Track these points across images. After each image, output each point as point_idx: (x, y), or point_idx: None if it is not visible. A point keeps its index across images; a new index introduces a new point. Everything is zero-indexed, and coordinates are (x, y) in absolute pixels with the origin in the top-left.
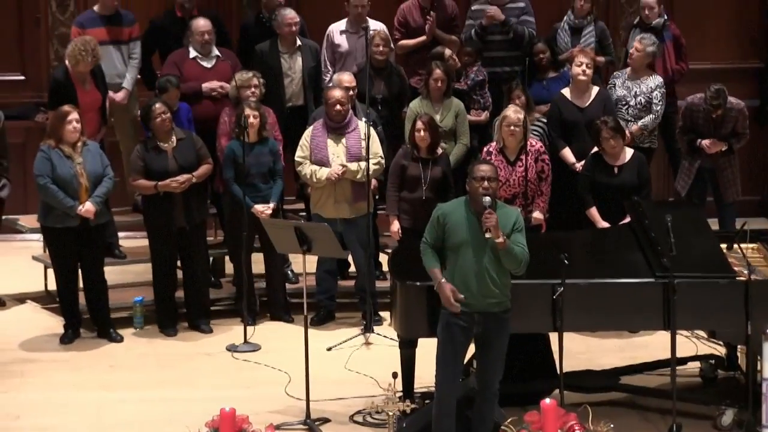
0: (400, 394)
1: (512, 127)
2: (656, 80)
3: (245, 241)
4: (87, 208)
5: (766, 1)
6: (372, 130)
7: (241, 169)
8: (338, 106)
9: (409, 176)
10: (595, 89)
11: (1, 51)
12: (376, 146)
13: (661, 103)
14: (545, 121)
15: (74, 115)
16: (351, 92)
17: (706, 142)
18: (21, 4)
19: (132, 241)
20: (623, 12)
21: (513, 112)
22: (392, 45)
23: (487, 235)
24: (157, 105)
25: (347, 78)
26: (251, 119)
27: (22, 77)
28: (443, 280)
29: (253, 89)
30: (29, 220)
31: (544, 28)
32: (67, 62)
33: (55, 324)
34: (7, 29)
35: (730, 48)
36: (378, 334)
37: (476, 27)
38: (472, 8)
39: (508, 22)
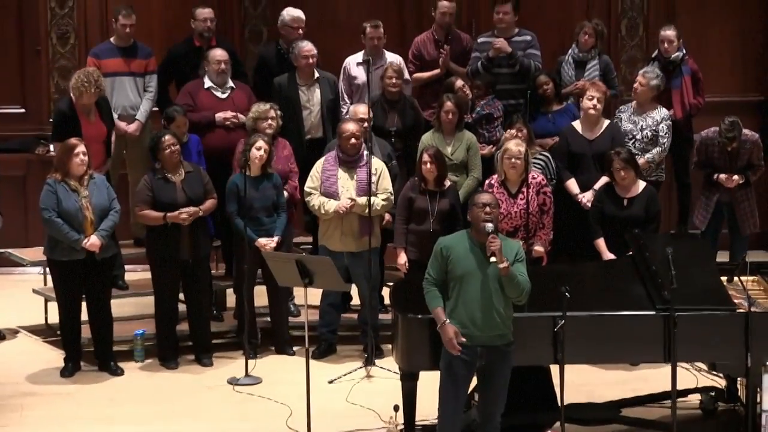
0: (402, 427)
1: (513, 160)
2: (662, 113)
3: (247, 274)
4: (92, 242)
5: None
6: (383, 165)
7: (243, 202)
8: (352, 140)
9: (416, 209)
10: (606, 122)
11: (1, 83)
12: (386, 182)
13: (667, 135)
14: (547, 154)
15: (81, 148)
16: (366, 124)
17: (722, 177)
18: (22, 36)
19: (133, 274)
20: (624, 46)
21: (514, 145)
22: (406, 77)
23: (492, 260)
24: (167, 137)
25: (363, 109)
26: (262, 152)
27: (23, 110)
28: (447, 321)
29: (270, 121)
30: (30, 253)
31: (548, 61)
32: (71, 94)
33: (56, 357)
34: (7, 61)
35: (732, 81)
36: (379, 366)
37: (482, 59)
38: (479, 41)
39: (514, 54)
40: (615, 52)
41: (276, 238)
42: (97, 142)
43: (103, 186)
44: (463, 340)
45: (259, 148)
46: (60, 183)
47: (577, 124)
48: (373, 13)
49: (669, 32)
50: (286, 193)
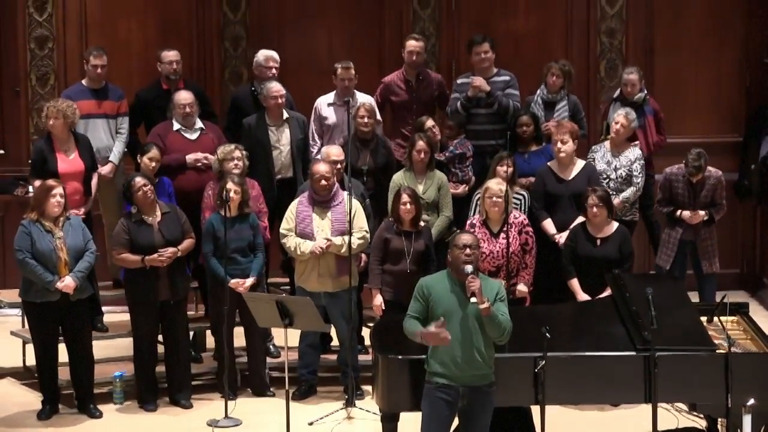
0: None
1: (495, 198)
2: (635, 152)
3: (226, 316)
4: (66, 283)
5: (746, 76)
6: (357, 204)
7: (220, 243)
8: (323, 181)
9: (392, 249)
10: (581, 163)
11: None
12: (361, 220)
13: (641, 175)
14: (524, 193)
15: (59, 190)
16: (339, 165)
17: (686, 214)
18: (0, 77)
19: (112, 315)
20: (603, 87)
21: (495, 184)
22: (379, 117)
23: (472, 300)
24: (137, 179)
25: (335, 151)
26: (232, 194)
27: (1, 151)
28: (424, 329)
29: (236, 161)
30: (8, 295)
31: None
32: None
33: (34, 400)
34: None
35: (709, 122)
36: (360, 408)
37: (462, 99)
38: (458, 81)
39: (493, 93)
40: (594, 93)
41: (251, 279)
42: (75, 179)
43: (78, 227)
44: (447, 334)
45: (229, 190)
46: (35, 224)
47: (553, 164)
48: (353, 56)
49: (632, 76)
50: None
